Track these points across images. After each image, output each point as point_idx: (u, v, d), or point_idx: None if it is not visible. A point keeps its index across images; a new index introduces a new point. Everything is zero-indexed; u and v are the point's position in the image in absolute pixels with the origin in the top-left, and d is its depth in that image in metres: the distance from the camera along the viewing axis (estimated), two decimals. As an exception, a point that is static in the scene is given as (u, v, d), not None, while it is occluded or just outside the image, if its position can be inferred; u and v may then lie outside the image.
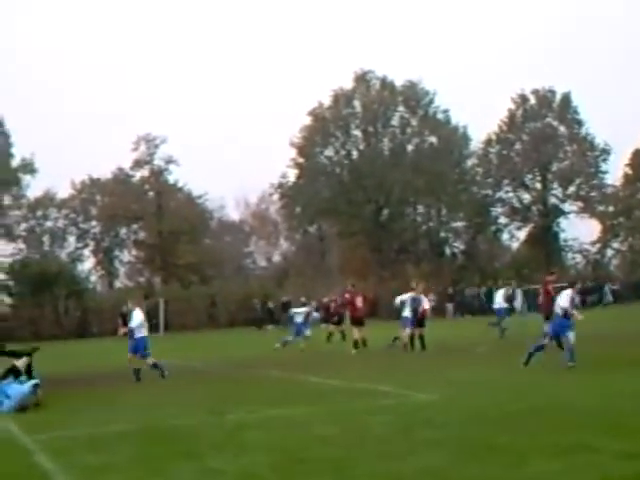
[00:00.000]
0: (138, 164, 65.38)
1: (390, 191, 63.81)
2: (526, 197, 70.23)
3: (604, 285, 57.95)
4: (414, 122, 66.48)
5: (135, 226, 67.22)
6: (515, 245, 71.97)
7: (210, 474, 8.30)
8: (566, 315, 16.24)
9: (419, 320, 23.92)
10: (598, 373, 15.16)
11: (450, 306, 54.39)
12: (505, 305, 29.73)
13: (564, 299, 16.41)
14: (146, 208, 64.42)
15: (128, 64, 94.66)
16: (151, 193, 65.89)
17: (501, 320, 28.37)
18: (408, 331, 23.58)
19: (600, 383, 13.67)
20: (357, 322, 25.26)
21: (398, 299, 24.56)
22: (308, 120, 65.18)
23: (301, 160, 65.12)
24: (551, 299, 20.89)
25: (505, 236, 71.40)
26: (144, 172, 65.77)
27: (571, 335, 16.19)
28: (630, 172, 73.13)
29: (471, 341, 23.42)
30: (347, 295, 26.52)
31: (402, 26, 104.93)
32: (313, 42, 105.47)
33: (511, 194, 70.30)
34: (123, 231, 68.53)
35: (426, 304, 24.28)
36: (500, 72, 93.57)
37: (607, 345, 21.18)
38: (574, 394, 12.48)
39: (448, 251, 70.63)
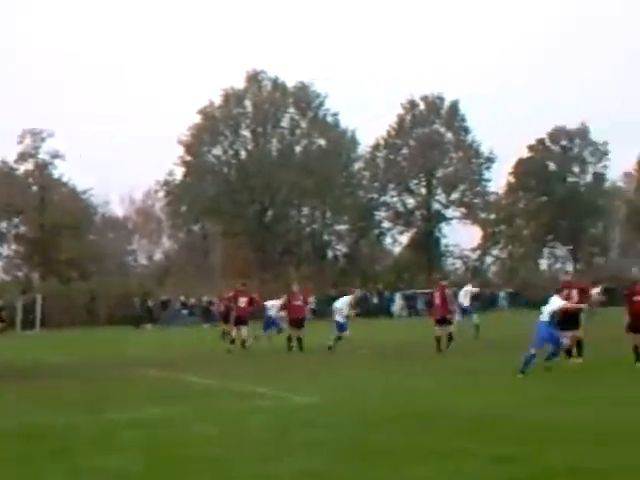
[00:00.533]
0: (22, 157, 64.01)
1: (276, 192, 64.40)
2: (410, 202, 72.15)
3: (498, 291, 60.15)
4: (304, 124, 67.32)
5: (16, 220, 65.59)
6: (397, 249, 73.77)
7: (85, 473, 8.28)
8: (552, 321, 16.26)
9: (297, 321, 24.54)
10: (480, 379, 15.55)
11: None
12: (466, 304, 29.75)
13: (553, 305, 16.35)
14: (29, 202, 62.98)
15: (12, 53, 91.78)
16: (35, 187, 64.61)
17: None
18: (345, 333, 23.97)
19: (482, 389, 14.01)
20: (240, 322, 25.52)
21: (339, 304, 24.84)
22: (198, 118, 65.21)
23: (189, 158, 64.93)
24: (446, 303, 22.61)
25: (388, 240, 73.17)
26: (28, 165, 64.56)
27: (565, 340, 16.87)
28: (513, 181, 76.44)
29: (355, 344, 23.91)
30: (231, 294, 26.98)
31: (295, 28, 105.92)
32: (205, 40, 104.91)
33: (396, 198, 72.07)
34: (3, 225, 66.62)
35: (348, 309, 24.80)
36: (391, 77, 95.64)
37: (496, 352, 21.75)
38: (455, 400, 12.71)
39: (331, 254, 71.65)
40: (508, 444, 8.88)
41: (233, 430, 10.53)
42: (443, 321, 22.31)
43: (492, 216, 72.79)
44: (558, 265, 78.81)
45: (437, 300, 22.90)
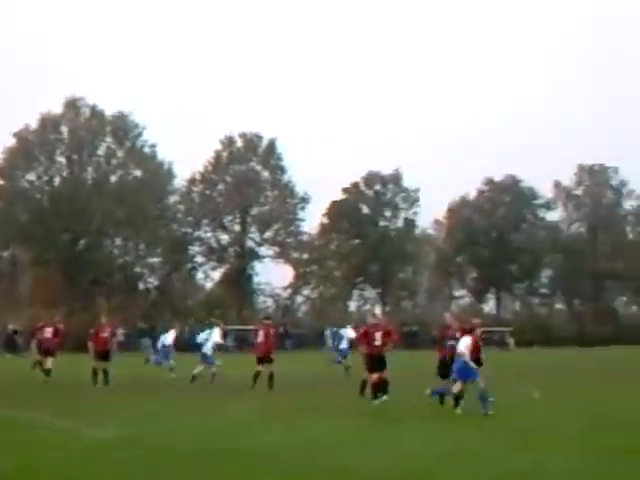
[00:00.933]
0: None
1: (90, 221, 72.19)
2: (224, 238, 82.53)
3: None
4: (120, 153, 76.24)
5: None
6: (209, 285, 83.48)
7: None
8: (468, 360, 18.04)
9: (103, 354, 27.54)
10: (295, 418, 17.59)
11: (146, 341, 63.17)
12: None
13: (464, 344, 18.30)
14: None
15: None
16: None
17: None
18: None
19: (293, 428, 15.85)
20: (47, 352, 28.14)
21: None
22: (12, 141, 72.47)
23: (1, 182, 71.96)
24: (270, 341, 26.29)
25: (200, 275, 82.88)
26: None
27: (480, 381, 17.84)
28: (326, 222, 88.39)
29: (166, 376, 28.45)
30: (40, 324, 29.62)
31: (116, 57, 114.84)
32: (25, 64, 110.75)
33: (210, 234, 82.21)
34: None
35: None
36: (211, 112, 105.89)
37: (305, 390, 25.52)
38: (260, 436, 14.43)
39: (142, 286, 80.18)
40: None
41: (30, 464, 11.39)
42: (265, 359, 25.65)
43: (304, 256, 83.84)
44: (367, 307, 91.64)
45: (260, 338, 26.10)
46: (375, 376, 20.38)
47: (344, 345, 32.94)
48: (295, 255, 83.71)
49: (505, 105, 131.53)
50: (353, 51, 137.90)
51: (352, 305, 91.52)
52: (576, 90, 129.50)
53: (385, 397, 19.99)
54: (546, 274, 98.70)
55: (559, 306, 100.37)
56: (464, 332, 18.97)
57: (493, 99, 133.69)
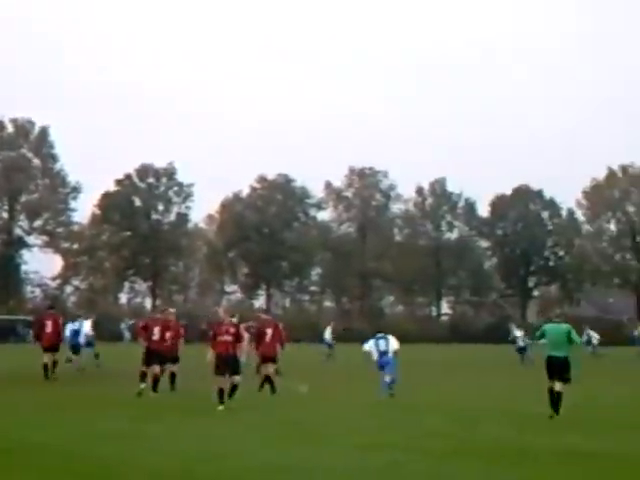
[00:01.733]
0: None
1: None
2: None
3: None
4: None
5: None
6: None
7: None
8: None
9: None
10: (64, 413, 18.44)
11: None
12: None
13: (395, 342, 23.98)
14: None
15: None
16: None
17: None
18: None
19: (50, 421, 16.80)
20: None
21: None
22: None
23: None
24: (58, 331, 28.82)
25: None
26: None
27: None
28: (98, 213, 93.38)
29: None
30: None
31: None
32: None
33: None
34: None
35: None
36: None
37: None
38: (22, 432, 15.15)
39: None
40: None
41: None
42: (53, 349, 28.21)
43: (75, 246, 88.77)
44: (138, 299, 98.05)
45: (49, 329, 28.34)
46: (157, 369, 23.13)
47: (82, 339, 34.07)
48: (65, 245, 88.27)
49: (281, 106, 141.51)
50: (132, 40, 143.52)
51: (123, 297, 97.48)
52: (348, 94, 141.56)
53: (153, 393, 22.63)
54: (316, 272, 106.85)
55: (328, 304, 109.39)
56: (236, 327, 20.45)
57: (269, 99, 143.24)
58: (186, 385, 24.58)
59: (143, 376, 23.21)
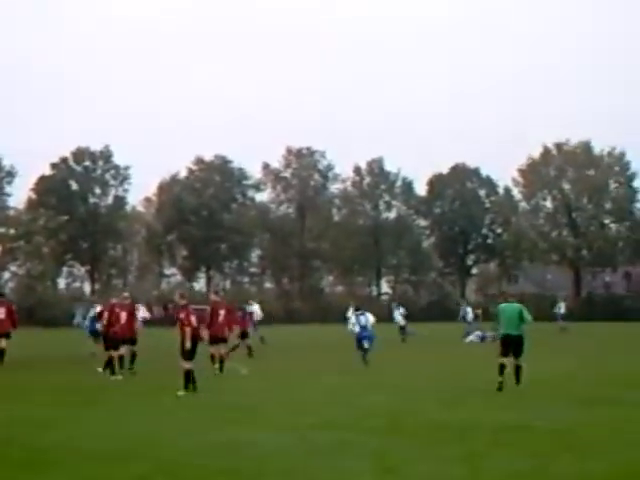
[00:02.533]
0: None
1: None
2: None
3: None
4: None
5: None
6: None
7: None
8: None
9: None
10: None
11: None
12: None
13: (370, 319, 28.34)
14: None
15: None
16: None
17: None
18: None
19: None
20: None
21: None
22: None
23: None
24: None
25: None
26: None
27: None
28: (34, 197, 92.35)
29: None
30: None
31: None
32: None
33: None
34: None
35: None
36: None
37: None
38: None
39: None
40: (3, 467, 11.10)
41: None
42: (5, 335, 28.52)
43: (11, 231, 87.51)
44: (77, 284, 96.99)
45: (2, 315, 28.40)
46: (116, 353, 24.53)
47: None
48: (1, 230, 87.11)
49: (217, 86, 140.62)
50: (60, 22, 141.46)
51: (61, 282, 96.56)
52: (284, 73, 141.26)
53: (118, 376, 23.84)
54: (256, 253, 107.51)
55: (268, 285, 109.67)
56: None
57: (205, 79, 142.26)
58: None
59: (110, 362, 24.55)
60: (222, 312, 24.91)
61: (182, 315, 20.33)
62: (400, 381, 22.89)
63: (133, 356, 25.47)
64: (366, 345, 27.89)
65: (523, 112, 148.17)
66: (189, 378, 19.95)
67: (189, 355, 20.04)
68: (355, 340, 28.48)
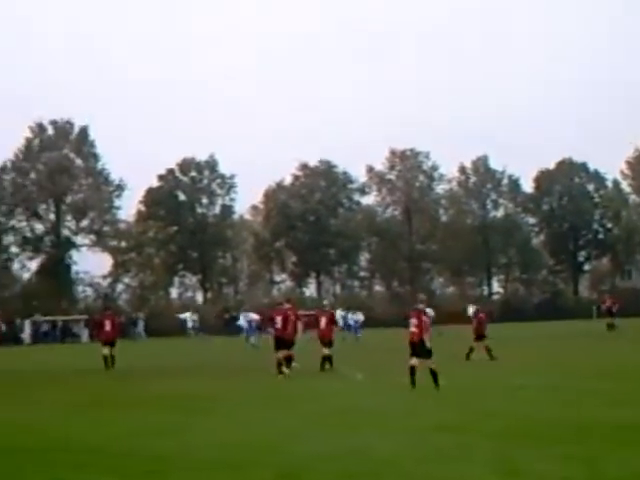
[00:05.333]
0: None
1: None
2: (39, 227, 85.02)
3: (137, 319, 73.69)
4: None
5: None
6: (26, 275, 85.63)
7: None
8: None
9: None
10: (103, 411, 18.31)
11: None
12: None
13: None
14: None
15: None
16: None
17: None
18: None
19: (107, 419, 16.68)
20: None
21: None
22: None
23: None
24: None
25: (16, 266, 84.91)
26: None
27: None
28: (143, 209, 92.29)
29: None
30: None
31: None
32: None
33: (24, 223, 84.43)
34: None
35: None
36: (18, 99, 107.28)
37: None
38: (71, 432, 14.88)
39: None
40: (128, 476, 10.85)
41: None
42: (110, 343, 32.02)
43: (122, 244, 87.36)
44: (189, 294, 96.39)
45: (107, 327, 32.65)
46: (281, 354, 25.92)
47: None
48: (113, 243, 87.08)
49: (315, 91, 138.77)
50: (168, 36, 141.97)
51: (174, 292, 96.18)
52: (384, 76, 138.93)
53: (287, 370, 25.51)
54: (364, 257, 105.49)
55: (378, 288, 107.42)
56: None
57: (301, 85, 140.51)
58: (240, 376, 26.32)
59: (281, 363, 25.86)
60: (279, 318, 26.59)
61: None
62: (516, 381, 21.58)
63: (289, 359, 26.58)
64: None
65: (630, 102, 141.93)
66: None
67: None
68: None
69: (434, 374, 19.74)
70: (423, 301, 21.47)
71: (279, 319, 26.36)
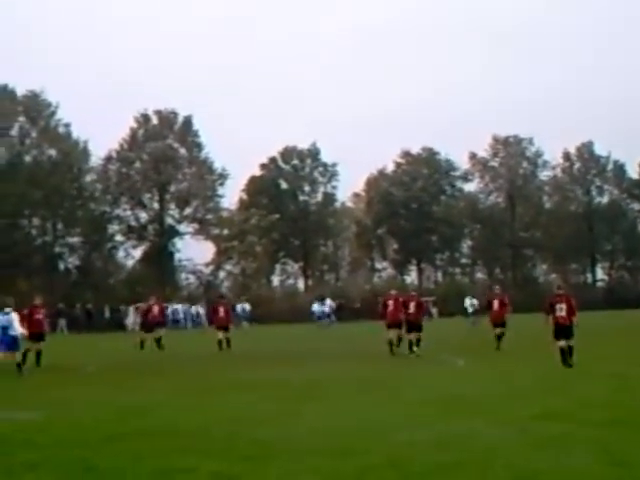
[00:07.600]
0: None
1: (3, 202, 73.01)
2: (143, 216, 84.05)
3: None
4: (34, 133, 77.33)
5: None
6: (130, 263, 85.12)
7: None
8: None
9: (38, 335, 26.47)
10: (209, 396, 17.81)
11: (62, 322, 64.23)
12: None
13: None
14: None
15: None
16: None
17: None
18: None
19: (212, 404, 16.24)
20: None
21: None
22: None
23: None
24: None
25: (121, 254, 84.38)
26: None
27: None
28: (245, 198, 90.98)
29: (81, 359, 29.49)
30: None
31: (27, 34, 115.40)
32: None
33: (129, 212, 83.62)
34: None
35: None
36: (124, 89, 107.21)
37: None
38: (180, 416, 14.54)
39: (62, 266, 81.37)
40: (230, 461, 10.24)
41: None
42: (224, 328, 34.39)
43: (225, 232, 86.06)
44: (291, 281, 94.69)
45: (221, 313, 35.03)
46: (412, 335, 28.17)
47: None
48: (215, 231, 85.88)
49: (422, 77, 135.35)
50: (265, 26, 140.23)
51: (275, 280, 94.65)
52: (488, 61, 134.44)
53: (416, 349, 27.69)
54: (466, 244, 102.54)
55: (480, 275, 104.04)
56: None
57: (409, 71, 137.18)
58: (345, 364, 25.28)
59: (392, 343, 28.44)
60: (412, 304, 28.95)
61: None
62: (613, 369, 20.72)
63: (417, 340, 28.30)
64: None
65: None
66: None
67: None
68: None
69: (571, 350, 21.41)
70: (561, 287, 23.35)
71: (412, 305, 28.70)
